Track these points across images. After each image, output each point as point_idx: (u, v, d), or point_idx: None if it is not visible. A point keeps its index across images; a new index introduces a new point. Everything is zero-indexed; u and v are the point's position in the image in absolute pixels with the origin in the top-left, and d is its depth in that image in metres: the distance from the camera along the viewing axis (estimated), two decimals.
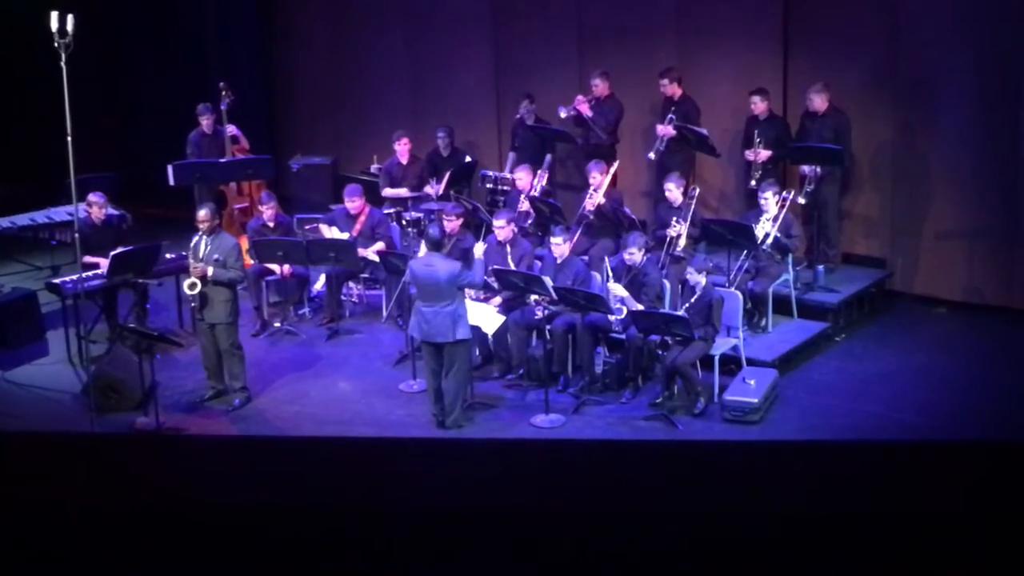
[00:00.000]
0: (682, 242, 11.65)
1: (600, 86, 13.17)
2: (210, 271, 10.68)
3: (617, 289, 10.71)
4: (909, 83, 12.32)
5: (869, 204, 12.75)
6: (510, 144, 14.14)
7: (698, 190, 11.98)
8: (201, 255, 10.78)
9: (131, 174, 15.05)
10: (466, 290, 10.60)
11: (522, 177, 12.76)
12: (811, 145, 12.09)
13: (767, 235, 11.48)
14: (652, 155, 12.82)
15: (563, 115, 13.29)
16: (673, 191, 11.79)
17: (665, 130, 12.67)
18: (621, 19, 13.79)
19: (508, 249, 11.46)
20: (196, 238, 10.89)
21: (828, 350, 11.71)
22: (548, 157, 13.56)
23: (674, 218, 11.68)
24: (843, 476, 4.71)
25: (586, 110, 13.09)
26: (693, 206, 11.69)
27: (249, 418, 10.81)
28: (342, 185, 13.44)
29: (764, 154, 12.27)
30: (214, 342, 10.86)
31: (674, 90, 12.83)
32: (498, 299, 11.29)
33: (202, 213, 10.93)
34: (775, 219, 11.55)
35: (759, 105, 12.39)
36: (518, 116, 13.84)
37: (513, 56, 14.69)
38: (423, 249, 11.00)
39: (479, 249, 10.78)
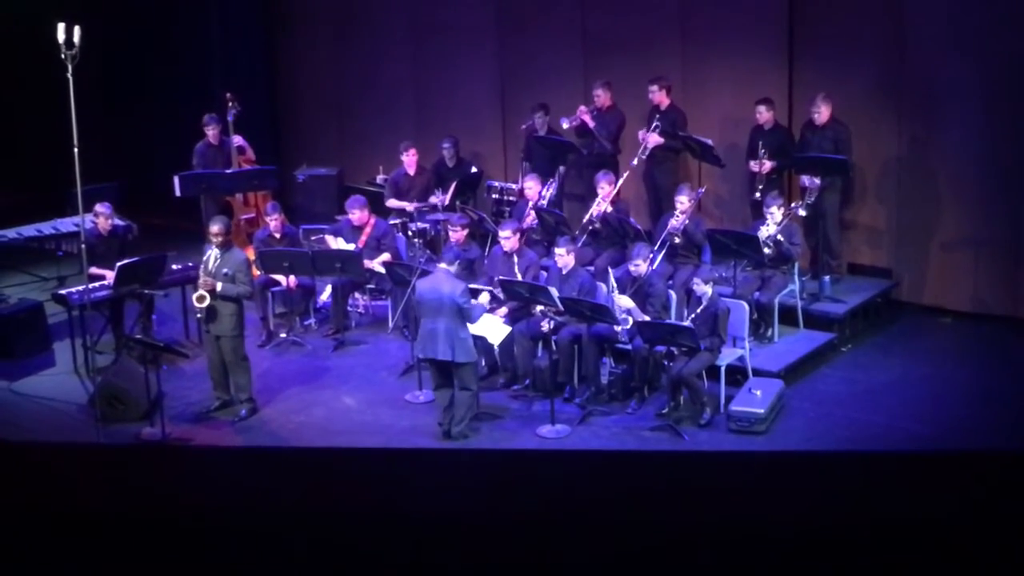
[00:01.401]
0: (677, 220, 11.68)
1: (602, 96, 13.17)
2: (219, 286, 10.68)
3: (623, 301, 10.70)
4: (914, 93, 12.30)
5: (875, 214, 12.74)
6: (521, 155, 14.11)
7: (705, 188, 11.99)
8: (211, 268, 10.79)
9: (137, 185, 15.08)
10: None
11: (531, 187, 12.75)
12: (815, 155, 12.07)
13: (769, 236, 11.46)
14: (635, 162, 12.83)
15: (566, 126, 13.30)
16: (685, 203, 11.78)
17: (649, 137, 12.68)
18: (625, 29, 13.79)
19: (515, 259, 11.47)
20: (207, 251, 10.91)
21: (834, 360, 11.70)
22: (561, 169, 13.55)
23: (677, 211, 11.74)
24: (849, 486, 4.71)
25: (589, 120, 13.10)
26: (695, 206, 11.83)
27: (255, 429, 10.82)
28: (348, 195, 13.44)
29: (768, 165, 12.25)
30: (220, 353, 10.87)
31: (661, 98, 12.84)
32: (504, 309, 11.28)
33: (215, 227, 10.92)
34: (778, 224, 11.54)
35: (764, 115, 12.37)
36: (523, 127, 13.83)
37: (518, 66, 14.70)
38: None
39: (484, 299, 10.99)
